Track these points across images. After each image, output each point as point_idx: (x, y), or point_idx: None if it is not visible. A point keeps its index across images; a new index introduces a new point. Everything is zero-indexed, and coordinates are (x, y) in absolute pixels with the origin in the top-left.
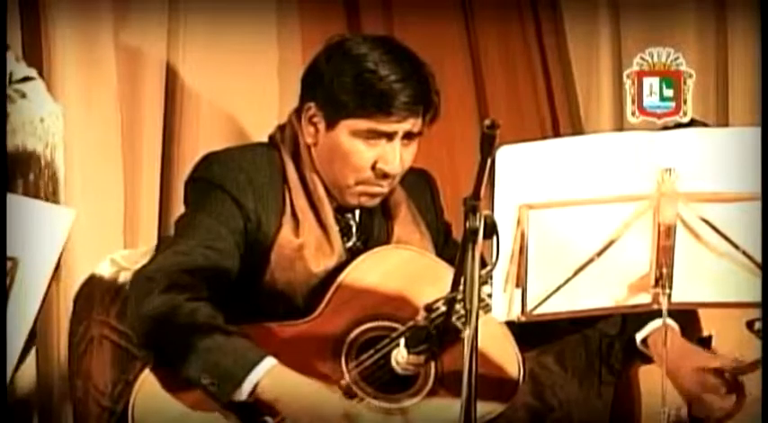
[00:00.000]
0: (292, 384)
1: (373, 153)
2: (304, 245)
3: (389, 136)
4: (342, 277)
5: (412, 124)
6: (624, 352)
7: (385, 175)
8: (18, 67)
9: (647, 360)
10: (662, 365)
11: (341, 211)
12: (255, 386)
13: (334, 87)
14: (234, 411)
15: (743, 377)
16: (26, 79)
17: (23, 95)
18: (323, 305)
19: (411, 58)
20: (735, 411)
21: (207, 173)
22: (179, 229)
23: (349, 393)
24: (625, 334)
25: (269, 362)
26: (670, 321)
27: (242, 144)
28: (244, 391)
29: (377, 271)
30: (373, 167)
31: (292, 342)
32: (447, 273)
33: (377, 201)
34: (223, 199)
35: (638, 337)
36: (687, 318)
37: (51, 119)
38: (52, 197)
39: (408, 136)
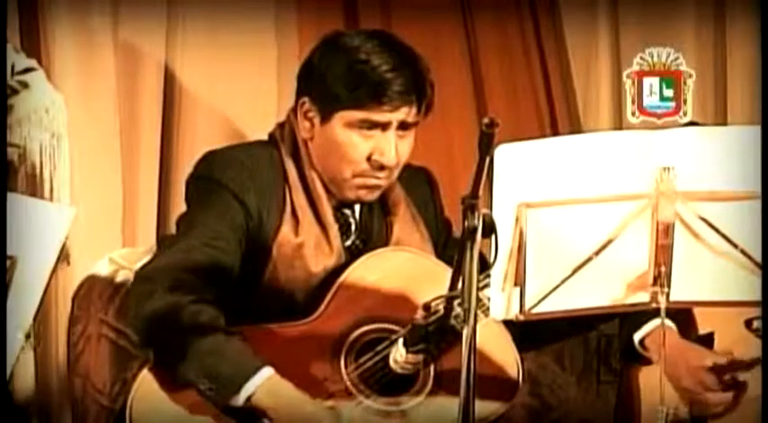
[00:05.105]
0: (287, 397)
1: (368, 145)
2: (303, 244)
3: (384, 126)
4: (342, 278)
5: (405, 114)
6: (623, 353)
7: (381, 167)
8: (18, 59)
9: (646, 361)
10: (660, 364)
11: (340, 208)
12: (251, 395)
13: (328, 80)
14: (232, 413)
15: (741, 373)
16: (28, 70)
17: (26, 86)
18: (323, 306)
19: (404, 49)
20: (732, 407)
21: (208, 171)
22: (181, 227)
23: (348, 394)
24: (623, 333)
25: (266, 372)
26: (668, 322)
27: (243, 142)
28: (240, 399)
29: (377, 272)
30: (369, 159)
31: (292, 343)
32: (448, 275)
33: (376, 194)
34: (225, 197)
35: (636, 337)
36: (683, 316)
37: (55, 108)
38: (61, 187)
39: (403, 127)
